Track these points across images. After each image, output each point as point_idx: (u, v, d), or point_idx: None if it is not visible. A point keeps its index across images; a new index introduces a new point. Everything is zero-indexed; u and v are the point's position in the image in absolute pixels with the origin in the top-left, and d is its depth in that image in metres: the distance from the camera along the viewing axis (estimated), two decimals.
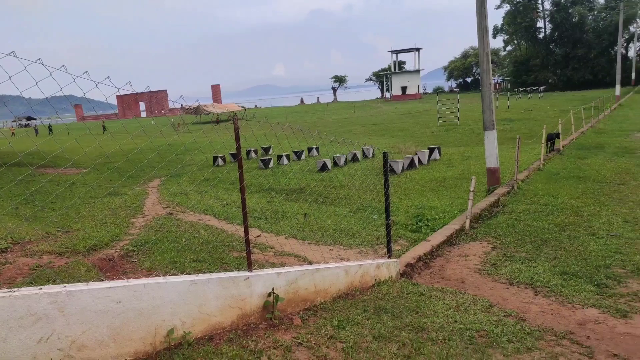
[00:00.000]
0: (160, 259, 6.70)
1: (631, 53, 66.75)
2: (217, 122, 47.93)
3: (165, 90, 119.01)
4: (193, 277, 4.20)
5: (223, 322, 4.29)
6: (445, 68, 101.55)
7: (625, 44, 65.19)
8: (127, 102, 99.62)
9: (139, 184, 14.88)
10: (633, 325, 4.65)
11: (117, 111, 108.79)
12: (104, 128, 47.48)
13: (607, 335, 4.46)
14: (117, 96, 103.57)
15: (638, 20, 65.85)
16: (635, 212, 8.42)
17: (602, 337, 4.44)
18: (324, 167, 16.19)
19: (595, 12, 69.09)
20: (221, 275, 4.36)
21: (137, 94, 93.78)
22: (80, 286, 3.67)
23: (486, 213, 9.07)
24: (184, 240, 7.85)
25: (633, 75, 59.86)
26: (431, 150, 17.31)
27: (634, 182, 10.88)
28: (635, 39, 64.76)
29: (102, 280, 4.34)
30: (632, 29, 65.72)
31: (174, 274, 5.18)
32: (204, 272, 5.30)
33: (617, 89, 41.83)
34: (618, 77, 41.99)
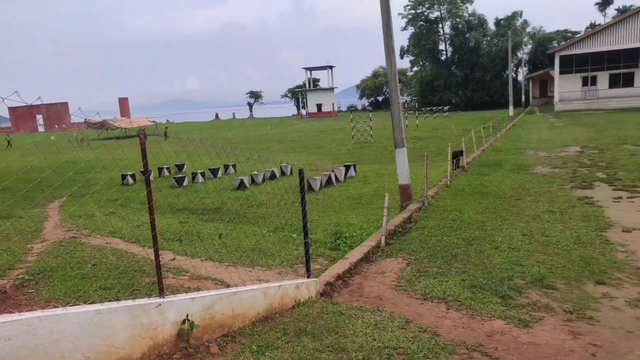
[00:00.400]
0: (61, 287, 6.15)
1: (520, 77, 73.77)
2: (143, 135, 45.84)
3: (67, 102, 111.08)
4: (98, 306, 3.88)
5: (133, 354, 4.00)
6: (358, 87, 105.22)
7: (515, 69, 71.82)
8: (20, 114, 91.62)
9: (35, 205, 13.65)
10: (534, 335, 5.01)
11: (6, 125, 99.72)
12: (9, 142, 43.57)
13: (513, 346, 4.76)
14: (9, 108, 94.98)
15: (523, 47, 73.08)
16: (531, 226, 9.17)
17: (508, 347, 4.73)
18: (241, 185, 15.94)
19: (489, 38, 75.60)
20: (130, 303, 4.08)
21: (32, 106, 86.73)
22: None
23: (400, 229, 9.40)
24: (89, 266, 7.28)
25: (523, 98, 66.07)
26: (347, 168, 17.72)
27: (528, 197, 11.88)
28: (522, 64, 71.73)
29: None
30: (519, 55, 72.72)
31: (75, 304, 4.76)
32: (111, 301, 4.93)
33: (510, 110, 45.86)
34: (510, 99, 46.16)
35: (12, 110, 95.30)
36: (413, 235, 8.91)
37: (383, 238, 8.45)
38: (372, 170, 18.72)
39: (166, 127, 59.69)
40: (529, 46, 74.93)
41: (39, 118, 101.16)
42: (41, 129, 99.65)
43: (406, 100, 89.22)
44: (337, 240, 8.83)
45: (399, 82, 11.62)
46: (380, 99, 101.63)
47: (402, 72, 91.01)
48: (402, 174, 11.51)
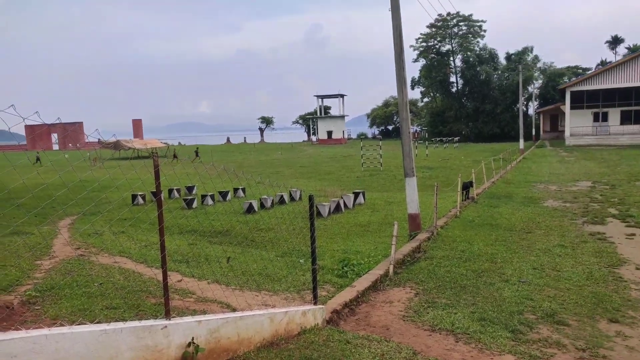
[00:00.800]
0: (67, 306, 6.13)
1: (531, 111, 73.92)
2: (174, 156, 46.91)
3: (82, 122, 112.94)
4: (104, 326, 3.84)
5: None
6: (368, 115, 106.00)
7: (525, 102, 72.05)
8: (38, 133, 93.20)
9: (47, 223, 13.73)
10: None
11: (21, 142, 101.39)
12: (38, 159, 44.64)
13: None
14: (26, 126, 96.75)
15: (534, 82, 73.46)
16: (541, 259, 9.03)
17: None
18: (250, 209, 15.95)
19: (499, 72, 76.19)
20: (136, 324, 4.04)
21: (49, 125, 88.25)
22: None
23: (409, 258, 9.30)
24: (95, 285, 7.27)
25: (533, 131, 66.06)
26: (356, 195, 17.70)
27: (539, 230, 11.74)
28: (533, 98, 71.97)
29: None
30: (530, 89, 73.03)
31: (82, 323, 4.73)
32: (117, 321, 4.89)
33: (521, 142, 45.81)
34: (521, 132, 46.13)
35: (29, 128, 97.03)
36: (422, 265, 8.81)
37: (391, 267, 8.36)
38: (381, 198, 18.67)
39: (197, 148, 60.74)
40: (540, 81, 75.36)
41: (54, 137, 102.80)
42: (56, 147, 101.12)
43: (416, 130, 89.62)
44: (345, 268, 8.75)
45: (410, 112, 11.69)
46: (390, 127, 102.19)
47: (413, 103, 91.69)
48: (411, 202, 11.46)
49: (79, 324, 3.92)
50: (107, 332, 3.78)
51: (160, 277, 7.65)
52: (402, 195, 18.40)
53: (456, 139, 65.95)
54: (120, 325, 3.91)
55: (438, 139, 65.68)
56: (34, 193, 15.92)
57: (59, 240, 11.03)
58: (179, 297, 6.89)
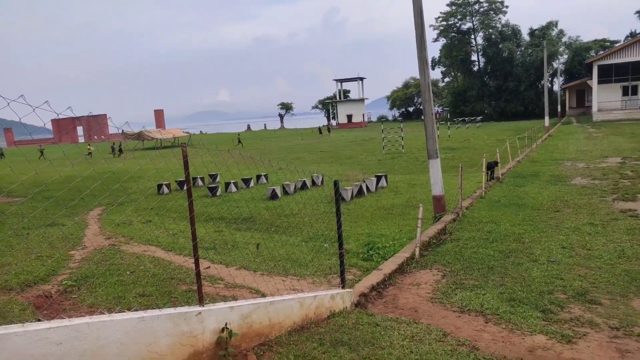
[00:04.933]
0: (103, 294, 6.33)
1: (556, 87, 71.99)
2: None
3: (105, 114, 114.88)
4: (141, 313, 3.97)
5: None
6: (388, 97, 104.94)
7: (550, 79, 70.15)
8: (65, 126, 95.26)
9: (79, 214, 14.12)
10: (578, 351, 4.84)
11: (49, 136, 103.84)
12: (42, 152, 45.78)
13: None
14: (53, 120, 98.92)
15: (559, 57, 71.33)
16: (570, 239, 8.90)
17: None
18: (274, 195, 16.07)
19: (522, 49, 74.23)
20: (171, 311, 4.16)
21: (75, 118, 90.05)
22: (15, 327, 3.37)
23: (434, 241, 9.28)
24: (127, 273, 7.48)
25: (559, 108, 64.40)
26: (378, 178, 17.63)
27: (567, 209, 11.53)
28: (558, 74, 69.99)
29: (40, 320, 4.01)
30: (555, 64, 70.96)
31: (119, 311, 4.89)
32: (152, 308, 5.04)
33: (546, 120, 44.74)
34: (546, 109, 44.97)
35: (55, 122, 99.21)
36: (448, 247, 8.78)
37: (417, 249, 8.36)
38: (403, 181, 18.57)
39: (239, 135, 62.00)
40: (565, 56, 73.20)
41: (79, 129, 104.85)
42: (81, 139, 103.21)
43: (438, 111, 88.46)
44: (370, 251, 8.77)
45: (432, 93, 11.56)
46: (411, 109, 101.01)
47: (434, 83, 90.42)
48: (435, 184, 11.38)
49: (118, 312, 4.06)
50: (144, 319, 3.90)
51: (190, 265, 7.86)
52: (425, 177, 18.27)
53: (479, 118, 64.81)
54: (156, 312, 4.03)
55: (460, 119, 64.69)
56: (61, 185, 16.33)
57: (90, 231, 11.34)
58: (208, 283, 7.04)
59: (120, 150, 48.13)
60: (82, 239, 10.29)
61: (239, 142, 53.15)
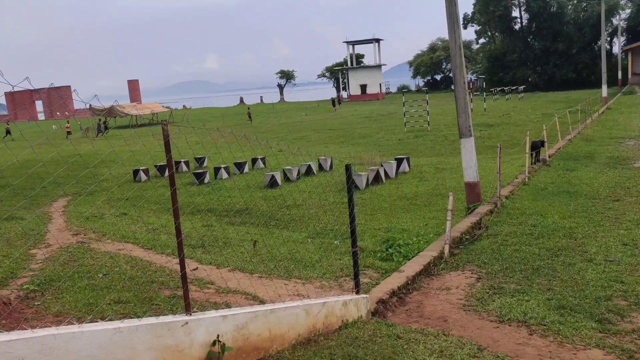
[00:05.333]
0: (71, 300, 6.41)
1: (616, 49, 71.11)
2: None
3: (69, 86, 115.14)
4: (117, 323, 4.02)
5: None
6: (411, 63, 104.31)
7: (608, 39, 69.32)
8: (22, 101, 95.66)
9: (40, 206, 14.24)
10: None
11: (3, 112, 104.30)
12: (8, 132, 45.87)
13: None
14: (7, 94, 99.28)
15: (620, 12, 70.28)
16: (633, 234, 8.86)
17: None
18: (273, 183, 16.12)
19: (575, 2, 73.30)
20: (153, 320, 4.20)
21: (33, 91, 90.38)
22: None
23: (467, 236, 9.29)
24: (100, 275, 7.56)
25: (619, 75, 63.63)
26: (399, 161, 17.62)
27: (629, 198, 11.48)
28: (618, 32, 69.00)
29: None
30: (615, 21, 69.97)
31: (91, 321, 4.95)
32: (130, 317, 5.10)
33: (604, 89, 44.01)
34: (604, 76, 44.14)
35: (9, 96, 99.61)
36: (484, 244, 8.78)
37: (447, 247, 8.37)
38: (429, 165, 18.55)
39: (249, 108, 62.89)
40: (628, 10, 72.15)
41: (39, 104, 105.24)
42: (41, 116, 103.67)
43: (471, 79, 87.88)
44: (389, 249, 8.82)
45: (464, 57, 11.48)
46: (438, 77, 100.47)
47: (466, 45, 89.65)
48: (468, 168, 11.36)
49: (89, 322, 4.11)
50: (121, 330, 3.94)
51: (173, 265, 7.92)
52: (456, 159, 18.22)
53: (521, 88, 64.32)
54: (135, 322, 4.07)
55: (498, 89, 64.23)
56: (18, 171, 16.46)
57: (53, 226, 11.44)
58: (196, 287, 7.10)
59: (106, 127, 48.29)
60: (45, 235, 10.38)
61: (249, 117, 54.10)
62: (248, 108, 66.52)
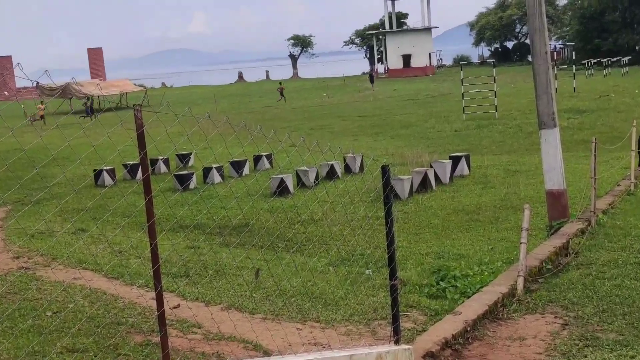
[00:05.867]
0: (9, 347, 6.52)
1: None
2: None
3: (10, 56, 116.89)
4: None
5: None
6: (472, 25, 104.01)
7: None
8: None
9: None
10: None
11: None
12: None
13: None
14: None
15: None
16: None
17: None
18: (282, 189, 16.15)
19: None
20: None
21: None
22: None
23: (549, 266, 9.21)
24: (48, 314, 7.65)
25: None
26: (455, 161, 17.55)
27: None
28: None
29: None
30: None
31: None
32: None
33: None
34: None
35: None
36: (572, 277, 8.69)
37: (520, 280, 8.30)
38: (497, 165, 18.45)
39: (280, 82, 66.39)
40: None
41: None
42: None
43: (555, 48, 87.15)
44: (441, 282, 8.78)
45: (546, 18, 11.43)
46: (509, 45, 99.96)
47: (550, 1, 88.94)
48: (551, 171, 11.26)
49: None
50: None
51: (146, 301, 7.97)
52: (534, 159, 18.08)
53: (625, 59, 63.65)
54: None
55: (593, 61, 63.68)
56: None
57: None
58: (178, 332, 7.14)
59: (92, 110, 49.29)
60: None
61: (282, 95, 56.09)
62: (280, 83, 68.00)
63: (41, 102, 51.65)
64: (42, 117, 47.32)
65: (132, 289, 8.78)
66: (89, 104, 50.65)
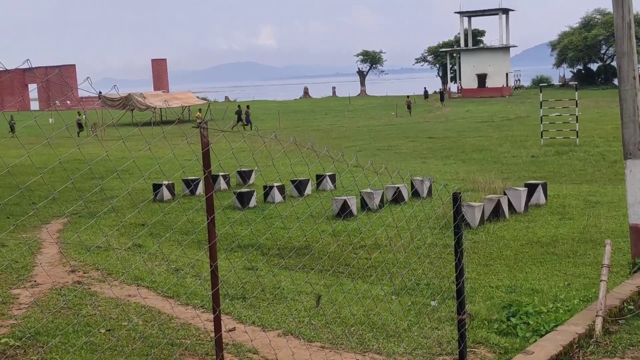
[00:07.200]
0: None
1: None
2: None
3: (74, 65, 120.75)
4: None
5: None
6: (554, 45, 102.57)
7: None
8: (9, 84, 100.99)
9: (27, 229, 14.87)
10: None
11: None
12: (12, 127, 50.05)
13: None
14: None
15: None
16: None
17: None
18: (345, 211, 16.17)
19: None
20: None
21: (26, 70, 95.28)
22: None
23: (631, 306, 8.97)
24: (102, 331, 7.82)
25: None
26: (531, 189, 17.31)
27: None
28: None
29: None
30: None
31: None
32: None
33: None
34: None
35: None
36: None
37: (599, 320, 8.11)
38: (576, 196, 18.11)
39: (408, 97, 69.22)
40: None
41: (32, 88, 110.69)
42: (35, 105, 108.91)
43: None
44: (512, 319, 8.65)
45: (636, 39, 11.20)
46: (594, 67, 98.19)
47: (639, 22, 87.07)
48: (636, 205, 10.99)
49: None
50: None
51: (202, 323, 8.07)
52: (618, 190, 17.71)
53: None
54: None
55: None
56: (14, 181, 17.31)
57: (44, 258, 11.94)
58: (232, 356, 7.21)
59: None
60: (33, 270, 10.86)
61: (409, 108, 61.04)
62: (408, 97, 70.18)
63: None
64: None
65: (188, 309, 8.92)
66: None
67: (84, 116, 53.43)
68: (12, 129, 50.59)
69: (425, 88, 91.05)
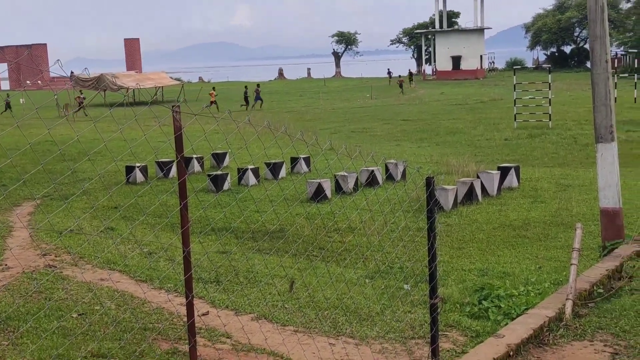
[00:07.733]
0: (33, 349, 6.63)
1: None
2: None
3: (45, 44, 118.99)
4: None
5: None
6: (528, 27, 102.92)
7: None
8: None
9: None
10: None
11: None
12: (8, 105, 49.58)
13: None
14: None
15: None
16: None
17: None
18: (319, 194, 16.18)
19: None
20: None
21: None
22: None
23: (601, 289, 9.08)
24: (74, 315, 7.77)
25: None
26: (504, 172, 17.41)
27: None
28: None
29: None
30: None
31: None
32: None
33: None
34: None
35: None
36: (625, 302, 8.55)
37: (569, 303, 8.20)
38: (548, 179, 18.26)
39: (400, 76, 72.19)
40: None
41: (2, 69, 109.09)
42: (5, 85, 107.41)
43: (616, 55, 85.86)
44: (484, 302, 8.72)
45: (608, 22, 11.26)
46: (567, 49, 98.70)
47: (612, 4, 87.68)
48: (606, 188, 11.12)
49: None
50: None
51: (175, 307, 8.06)
52: (589, 173, 17.86)
53: None
54: None
55: None
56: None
57: (14, 240, 11.85)
58: (206, 341, 7.20)
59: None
60: (3, 253, 10.75)
61: (401, 87, 64.15)
62: (400, 76, 72.72)
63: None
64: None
65: (161, 293, 8.90)
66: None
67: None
68: (8, 106, 50.53)
69: (389, 69, 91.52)
